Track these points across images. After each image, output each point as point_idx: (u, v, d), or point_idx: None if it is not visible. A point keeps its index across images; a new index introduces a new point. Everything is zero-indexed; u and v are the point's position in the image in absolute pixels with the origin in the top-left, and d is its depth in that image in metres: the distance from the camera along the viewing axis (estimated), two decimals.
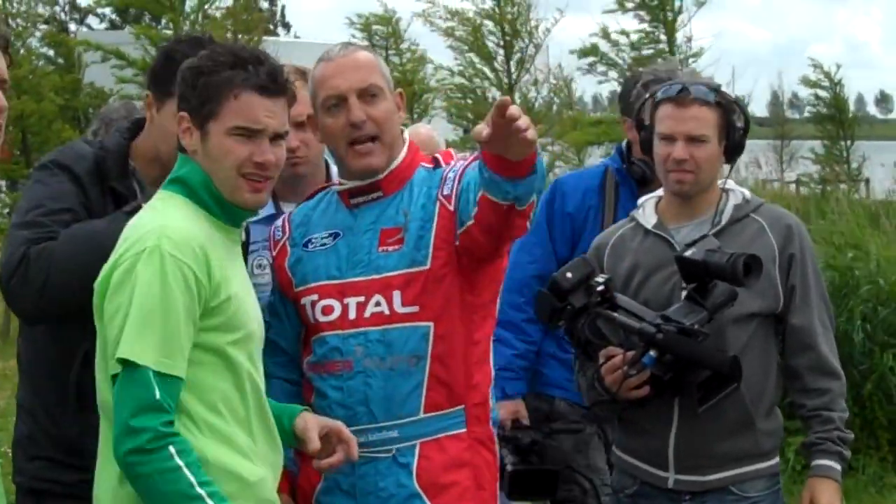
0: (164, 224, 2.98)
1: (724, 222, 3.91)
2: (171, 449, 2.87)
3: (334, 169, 4.02)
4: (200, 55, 3.14)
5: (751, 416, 3.88)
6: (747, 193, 4.03)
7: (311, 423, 3.28)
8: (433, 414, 3.45)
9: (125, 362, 2.88)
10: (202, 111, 3.07)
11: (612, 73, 12.51)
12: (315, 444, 3.24)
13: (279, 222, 3.68)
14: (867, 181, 14.26)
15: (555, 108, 14.57)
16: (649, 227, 3.99)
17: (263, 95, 3.07)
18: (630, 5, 12.15)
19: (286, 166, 3.34)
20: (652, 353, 3.65)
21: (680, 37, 11.93)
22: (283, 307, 3.61)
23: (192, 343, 2.95)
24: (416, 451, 3.45)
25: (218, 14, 15.09)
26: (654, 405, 3.80)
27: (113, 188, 3.47)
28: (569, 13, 13.67)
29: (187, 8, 15.05)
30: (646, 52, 12.10)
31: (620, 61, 12.38)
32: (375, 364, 3.42)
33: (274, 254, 3.63)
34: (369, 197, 3.52)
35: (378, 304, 3.44)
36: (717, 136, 3.88)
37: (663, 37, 12.02)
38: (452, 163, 3.53)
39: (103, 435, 3.04)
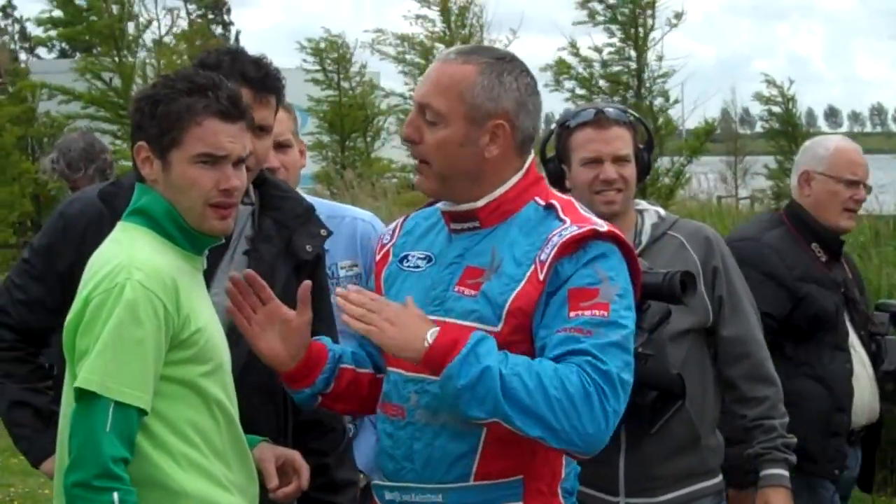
0: (131, 257, 2.91)
1: (644, 243, 3.92)
2: (115, 496, 2.79)
3: None
4: (154, 83, 3.09)
5: (697, 433, 3.91)
6: (661, 211, 4.05)
7: (267, 455, 3.21)
8: (485, 483, 2.98)
9: (85, 392, 2.82)
10: (163, 141, 2.98)
11: (580, 91, 12.51)
12: (274, 480, 3.19)
13: (392, 226, 3.32)
14: None
15: None
16: None
17: (225, 121, 2.99)
18: (601, 18, 12.13)
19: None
20: None
21: (651, 55, 11.93)
22: None
23: (159, 376, 2.89)
24: None
25: (172, 41, 15.05)
26: None
27: None
28: (526, 33, 13.69)
29: (141, 37, 14.96)
30: (615, 68, 12.09)
31: (587, 75, 12.37)
32: (427, 418, 2.99)
33: (378, 258, 3.26)
34: (465, 225, 3.07)
35: None
36: (634, 156, 3.92)
37: (633, 53, 12.02)
38: (565, 224, 2.99)
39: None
